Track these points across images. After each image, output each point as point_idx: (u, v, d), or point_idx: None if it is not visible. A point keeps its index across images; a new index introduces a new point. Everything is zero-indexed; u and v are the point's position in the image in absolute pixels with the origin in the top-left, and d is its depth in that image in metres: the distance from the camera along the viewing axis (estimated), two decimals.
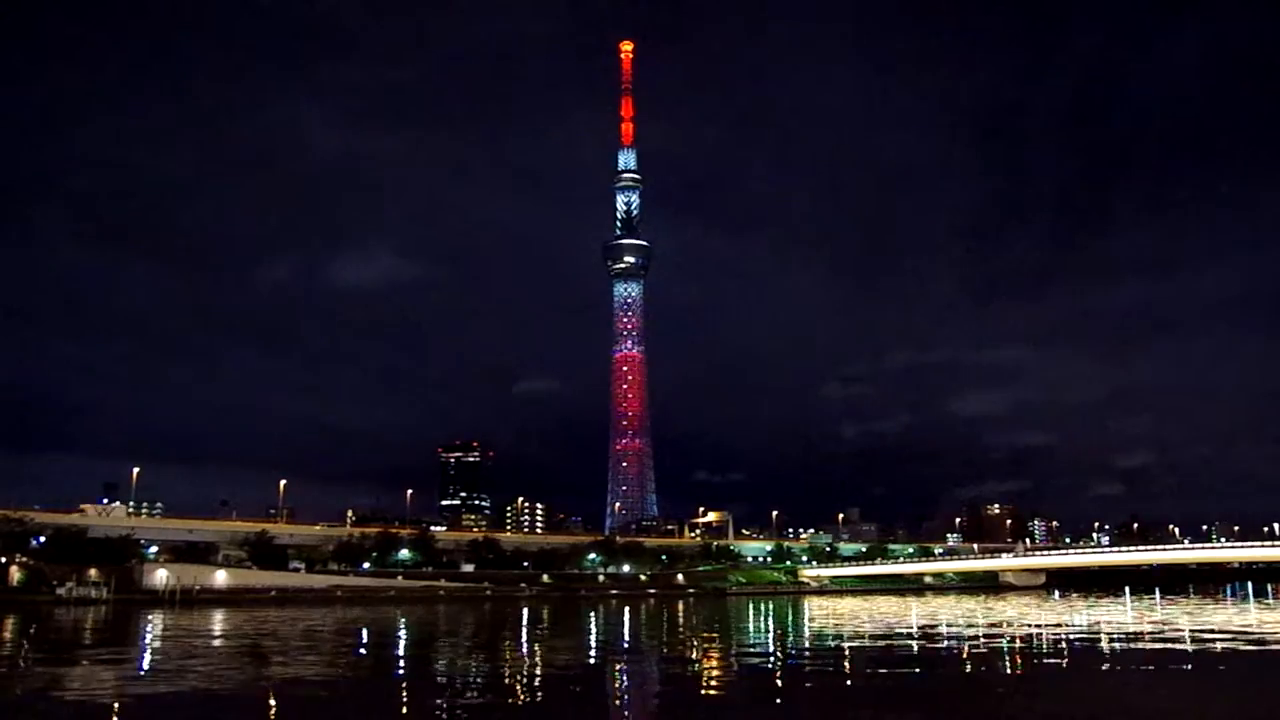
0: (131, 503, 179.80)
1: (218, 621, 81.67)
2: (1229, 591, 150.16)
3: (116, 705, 32.44)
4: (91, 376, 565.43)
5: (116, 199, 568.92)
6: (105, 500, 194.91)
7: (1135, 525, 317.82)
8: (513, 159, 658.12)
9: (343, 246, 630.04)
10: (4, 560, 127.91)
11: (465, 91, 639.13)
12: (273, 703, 33.11)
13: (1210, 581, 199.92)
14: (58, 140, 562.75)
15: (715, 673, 42.96)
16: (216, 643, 61.03)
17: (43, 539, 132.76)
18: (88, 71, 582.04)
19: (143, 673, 43.33)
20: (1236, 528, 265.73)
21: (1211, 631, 62.53)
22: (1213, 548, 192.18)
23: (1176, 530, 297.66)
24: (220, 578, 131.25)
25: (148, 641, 62.21)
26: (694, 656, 50.51)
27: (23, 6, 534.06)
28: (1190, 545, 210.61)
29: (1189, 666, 43.38)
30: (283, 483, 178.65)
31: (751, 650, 54.54)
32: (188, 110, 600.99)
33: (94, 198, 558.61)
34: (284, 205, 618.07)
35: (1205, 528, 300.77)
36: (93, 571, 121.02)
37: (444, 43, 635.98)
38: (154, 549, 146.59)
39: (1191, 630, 63.65)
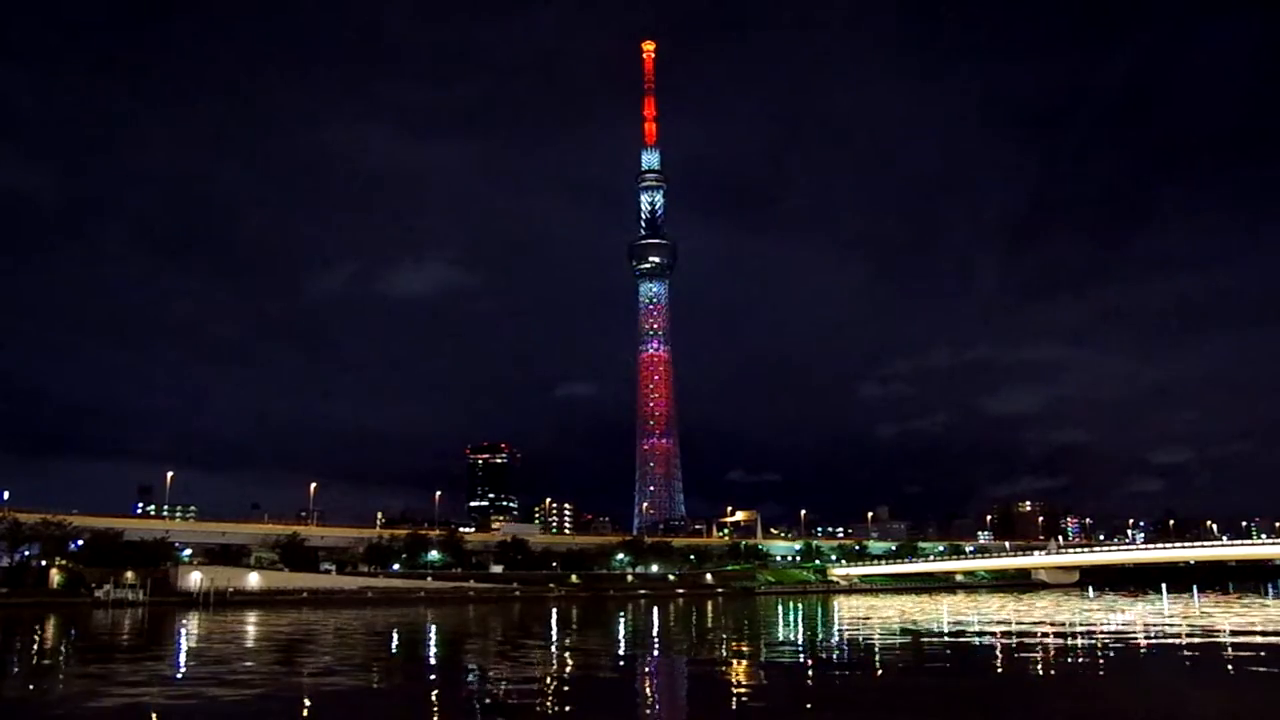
0: (166, 506, 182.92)
1: (252, 623, 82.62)
2: (1270, 589, 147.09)
3: (157, 704, 32.86)
4: (138, 385, 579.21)
5: (172, 213, 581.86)
6: (140, 504, 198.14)
7: (1171, 522, 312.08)
8: (558, 165, 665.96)
9: (393, 256, 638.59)
10: (44, 563, 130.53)
11: (512, 101, 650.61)
12: (309, 701, 33.35)
13: (1251, 579, 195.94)
14: (115, 156, 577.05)
15: (746, 674, 42.70)
16: (251, 643, 61.71)
17: (81, 542, 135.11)
18: (143, 88, 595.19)
19: (181, 672, 43.91)
20: (1278, 524, 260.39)
21: (1251, 631, 61.24)
22: (1251, 544, 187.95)
23: (1214, 527, 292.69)
24: (253, 579, 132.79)
25: (184, 642, 63.03)
26: (724, 657, 50.28)
27: (81, 25, 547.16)
28: (1228, 542, 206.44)
29: (1230, 669, 42.47)
30: (313, 485, 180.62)
31: (782, 650, 54.21)
32: (242, 125, 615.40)
33: (151, 212, 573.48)
34: (336, 216, 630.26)
35: (1245, 524, 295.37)
36: (129, 574, 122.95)
37: (490, 54, 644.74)
38: (188, 551, 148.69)
39: (1231, 629, 62.40)
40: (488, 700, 33.86)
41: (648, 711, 33.28)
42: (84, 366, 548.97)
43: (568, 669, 44.86)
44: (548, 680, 39.62)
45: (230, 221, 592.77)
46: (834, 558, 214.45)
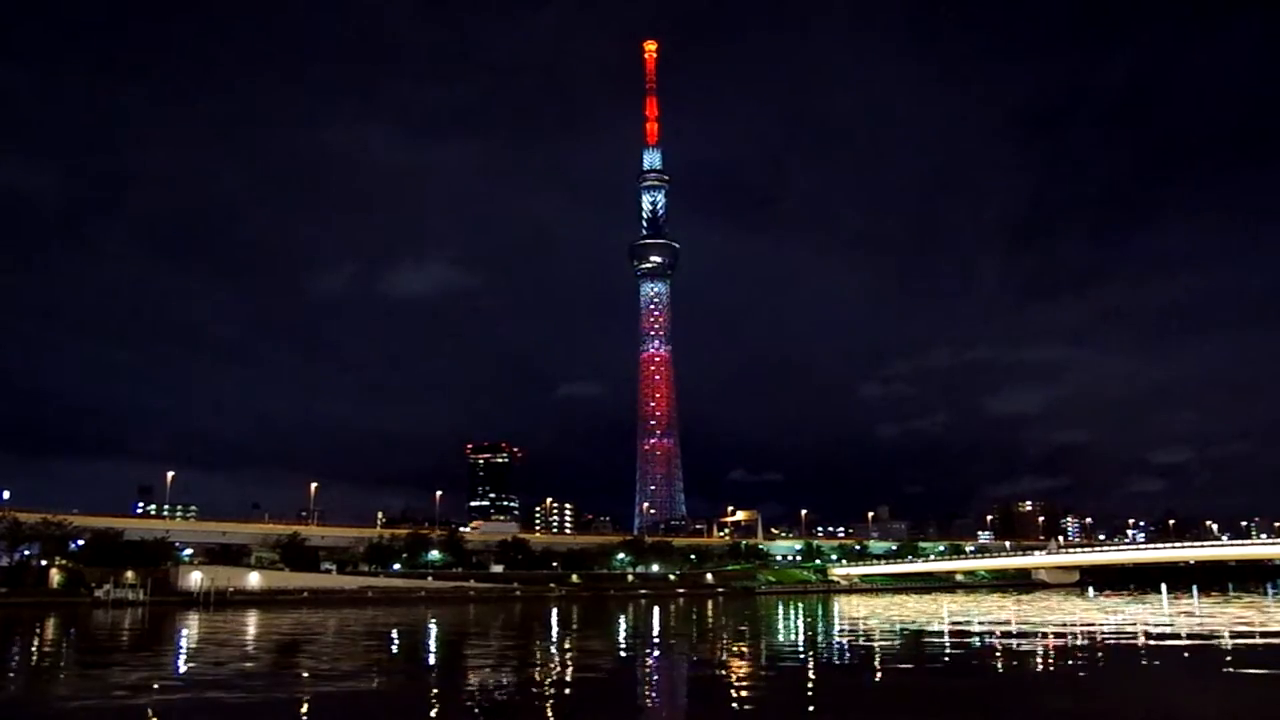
0: (166, 506, 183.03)
1: (252, 622, 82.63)
2: (1270, 589, 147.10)
3: (157, 704, 32.89)
4: (138, 385, 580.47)
5: (172, 213, 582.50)
6: (140, 504, 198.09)
7: (1171, 522, 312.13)
8: (558, 165, 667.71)
9: (393, 256, 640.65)
10: (45, 563, 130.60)
11: (512, 101, 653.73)
12: (308, 701, 33.35)
13: (1251, 579, 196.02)
14: (116, 156, 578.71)
15: (746, 674, 42.70)
16: (251, 643, 61.70)
17: (81, 542, 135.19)
18: (143, 88, 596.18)
19: (181, 673, 43.93)
20: (1278, 524, 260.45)
21: (1251, 631, 61.25)
22: (1251, 544, 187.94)
23: (1214, 526, 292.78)
24: (254, 579, 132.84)
25: (184, 642, 63.03)
26: (724, 658, 50.28)
27: (81, 25, 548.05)
28: (1228, 542, 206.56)
29: (1229, 669, 42.50)
30: (313, 485, 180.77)
31: (782, 650, 54.21)
32: (243, 125, 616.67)
33: (151, 212, 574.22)
34: (336, 216, 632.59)
35: (1245, 524, 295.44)
36: (129, 574, 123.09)
37: (490, 54, 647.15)
38: (188, 551, 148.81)
39: (1231, 629, 62.42)
40: (487, 701, 33.86)
41: (648, 712, 33.30)
42: (84, 366, 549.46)
43: (568, 669, 44.85)
44: (548, 680, 39.63)
45: (230, 221, 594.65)
46: (834, 557, 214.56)
